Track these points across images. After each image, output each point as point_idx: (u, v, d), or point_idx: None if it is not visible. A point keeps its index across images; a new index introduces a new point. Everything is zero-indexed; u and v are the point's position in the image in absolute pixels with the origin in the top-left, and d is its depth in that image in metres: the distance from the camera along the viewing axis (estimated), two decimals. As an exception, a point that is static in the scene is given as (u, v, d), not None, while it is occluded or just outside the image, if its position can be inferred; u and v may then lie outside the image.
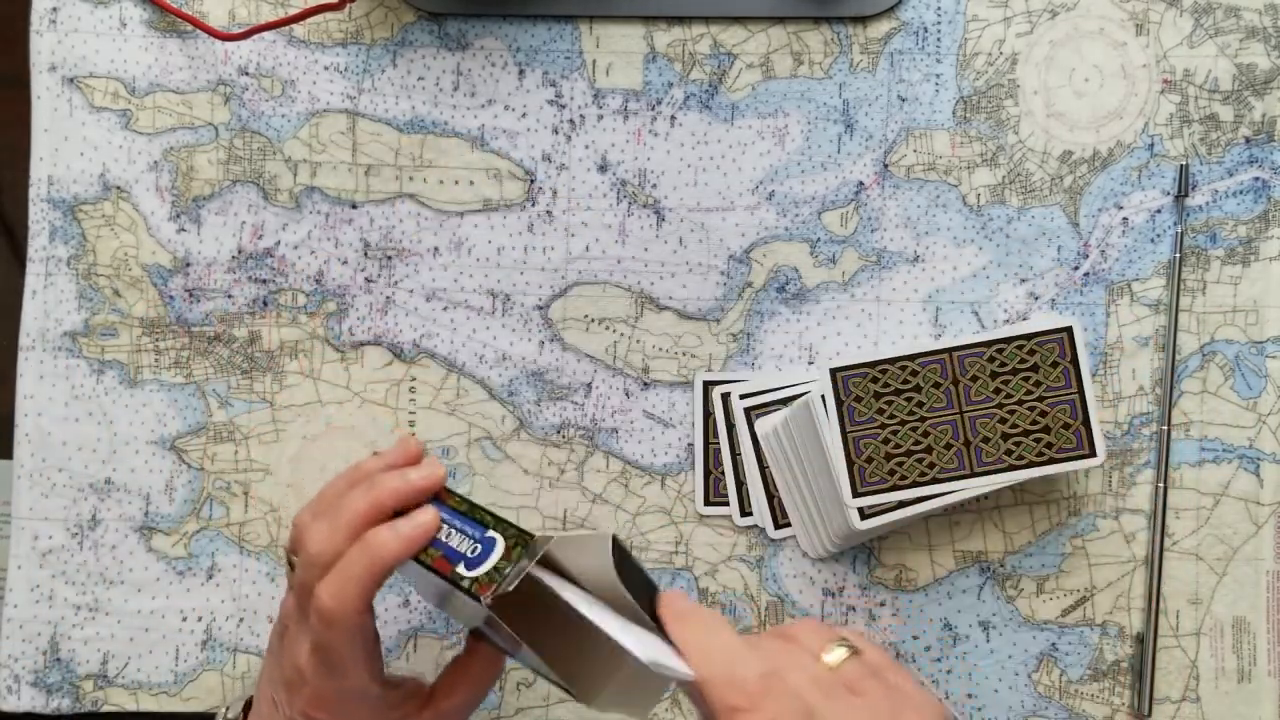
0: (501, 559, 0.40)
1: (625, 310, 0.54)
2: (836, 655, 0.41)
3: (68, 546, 0.54)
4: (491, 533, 0.41)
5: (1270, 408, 0.53)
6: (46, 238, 0.54)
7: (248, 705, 0.47)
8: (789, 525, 0.54)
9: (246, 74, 0.55)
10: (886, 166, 0.54)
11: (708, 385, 0.54)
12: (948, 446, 0.49)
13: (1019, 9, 0.54)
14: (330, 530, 0.41)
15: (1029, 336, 0.50)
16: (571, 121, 0.55)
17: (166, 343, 0.54)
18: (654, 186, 0.54)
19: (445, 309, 0.54)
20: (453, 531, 0.42)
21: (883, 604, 0.54)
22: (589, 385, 0.54)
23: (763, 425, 0.53)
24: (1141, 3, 0.54)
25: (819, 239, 0.54)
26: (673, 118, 0.54)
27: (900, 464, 0.49)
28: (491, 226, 0.55)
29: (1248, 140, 0.54)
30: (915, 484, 0.49)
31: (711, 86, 0.54)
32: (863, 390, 0.49)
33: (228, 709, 0.48)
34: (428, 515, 0.42)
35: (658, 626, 0.41)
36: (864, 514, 0.49)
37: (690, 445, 0.54)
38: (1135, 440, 0.54)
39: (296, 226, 0.55)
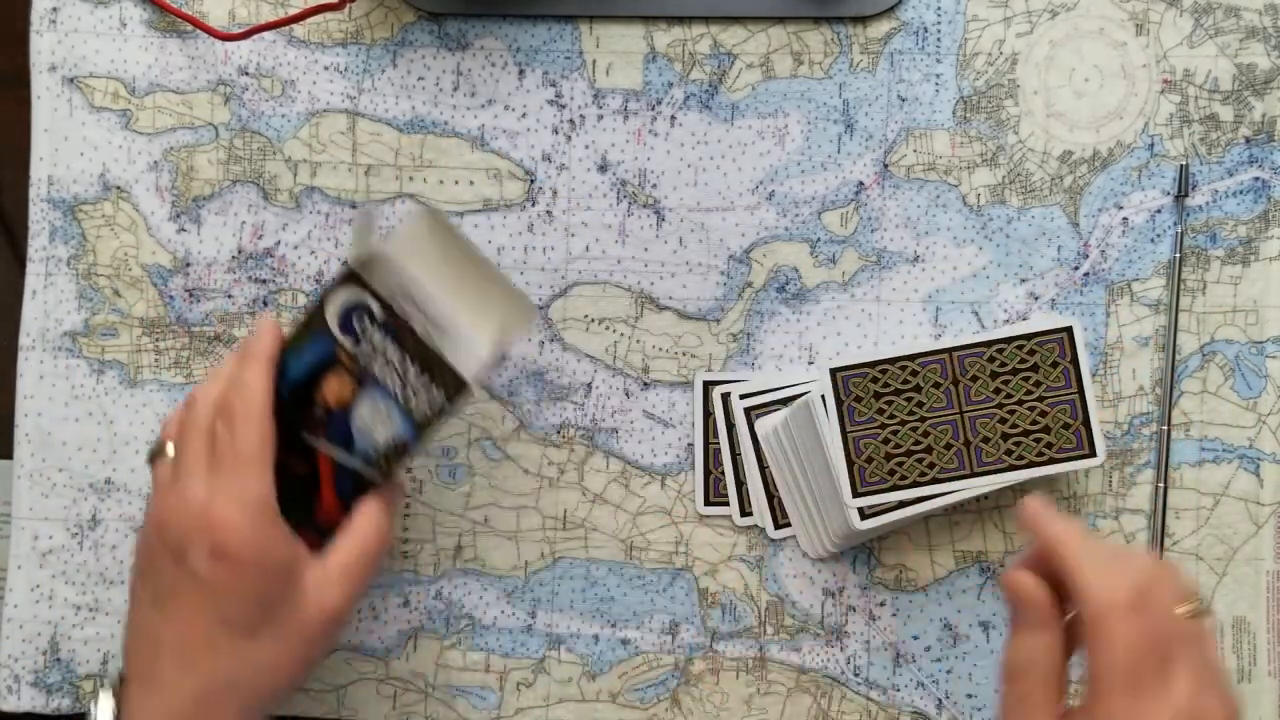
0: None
1: (625, 310, 0.54)
2: (1188, 608, 0.38)
3: (68, 546, 0.54)
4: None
5: (1270, 408, 0.53)
6: (46, 238, 0.54)
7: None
8: (789, 525, 0.54)
9: (246, 74, 0.55)
10: (886, 166, 0.54)
11: (708, 385, 0.54)
12: (948, 447, 0.49)
13: (1019, 9, 0.54)
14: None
15: (1029, 336, 0.50)
16: (571, 121, 0.55)
17: (166, 343, 0.54)
18: (654, 186, 0.54)
19: (445, 309, 0.54)
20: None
21: (883, 604, 0.54)
22: (589, 385, 0.54)
23: (763, 425, 0.53)
24: (1141, 3, 0.54)
25: (819, 239, 0.54)
26: (673, 118, 0.54)
27: (900, 464, 0.49)
28: (491, 226, 0.55)
29: (1248, 140, 0.54)
30: (915, 484, 0.49)
31: (711, 86, 0.54)
32: (862, 390, 0.49)
33: (99, 683, 0.46)
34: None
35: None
36: (864, 514, 0.49)
37: (690, 445, 0.54)
38: (1135, 440, 0.54)
39: (297, 226, 0.55)
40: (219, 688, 0.41)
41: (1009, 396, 0.50)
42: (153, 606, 0.42)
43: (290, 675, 0.43)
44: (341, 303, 0.44)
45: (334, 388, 0.45)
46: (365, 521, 0.45)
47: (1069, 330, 0.50)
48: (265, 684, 0.42)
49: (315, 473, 0.45)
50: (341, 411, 0.44)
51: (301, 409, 0.44)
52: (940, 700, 0.53)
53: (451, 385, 0.44)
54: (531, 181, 0.55)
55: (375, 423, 0.44)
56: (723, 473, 0.54)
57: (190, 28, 0.54)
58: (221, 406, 0.43)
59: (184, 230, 0.55)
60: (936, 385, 0.50)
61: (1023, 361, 0.50)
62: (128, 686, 0.42)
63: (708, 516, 0.54)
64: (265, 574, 0.42)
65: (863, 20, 0.54)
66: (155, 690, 0.41)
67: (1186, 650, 0.37)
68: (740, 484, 0.54)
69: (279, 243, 0.55)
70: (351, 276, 0.44)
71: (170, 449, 0.44)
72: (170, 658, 0.41)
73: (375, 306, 0.44)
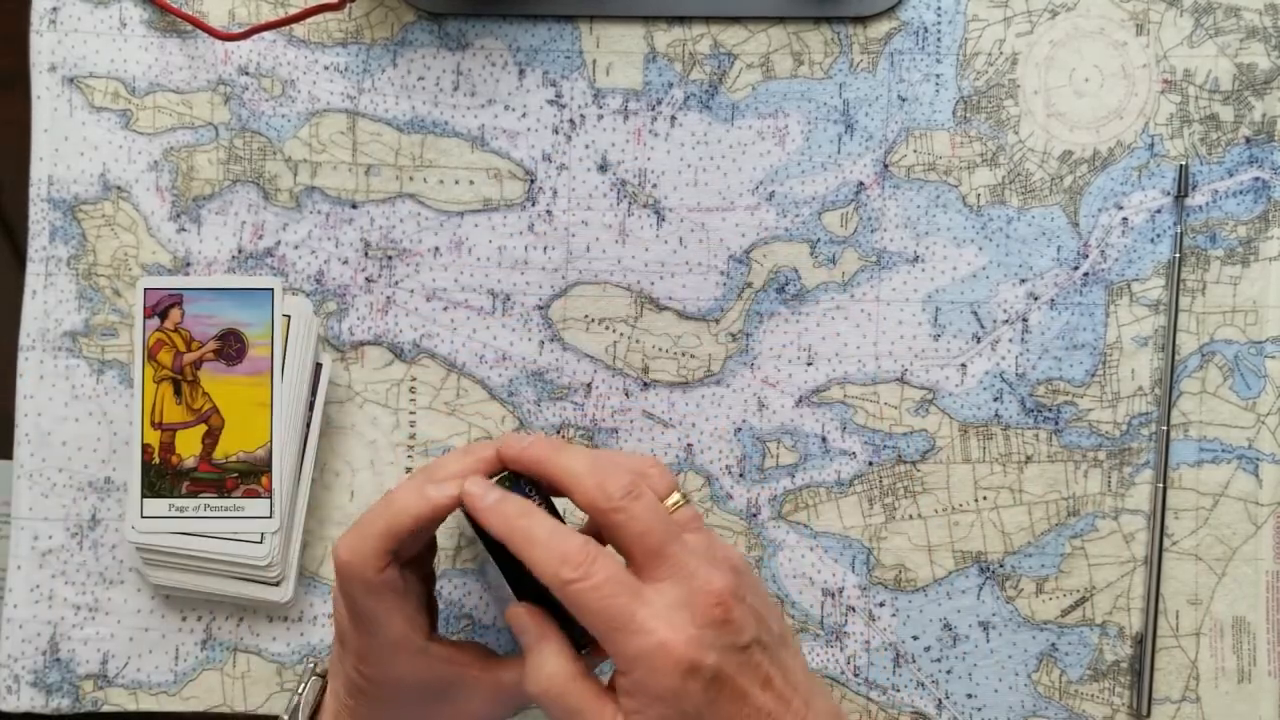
0: None
1: (625, 310, 0.54)
2: (673, 500, 0.43)
3: (68, 546, 0.54)
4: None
5: (1269, 408, 0.53)
6: (46, 238, 0.54)
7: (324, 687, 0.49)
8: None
9: (246, 74, 0.55)
10: (886, 166, 0.54)
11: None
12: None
13: (1019, 9, 0.54)
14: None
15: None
16: (571, 121, 0.55)
17: (166, 343, 0.54)
18: (654, 186, 0.54)
19: (445, 309, 0.54)
20: None
21: (883, 604, 0.54)
22: (589, 385, 0.54)
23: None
24: (1141, 3, 0.54)
25: (819, 239, 0.54)
26: (673, 118, 0.54)
27: None
28: (492, 226, 0.55)
29: (1248, 140, 0.54)
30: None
31: (711, 86, 0.54)
32: None
33: (301, 691, 0.49)
34: (459, 487, 0.42)
35: None
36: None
37: (690, 445, 0.54)
38: (1134, 440, 0.54)
39: (297, 226, 0.55)
40: None
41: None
42: None
43: None
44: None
45: None
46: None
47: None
48: None
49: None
50: None
51: None
52: (940, 700, 0.53)
53: None
54: (531, 181, 0.55)
55: None
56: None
57: (190, 28, 0.54)
58: (334, 558, 0.44)
59: (184, 230, 0.55)
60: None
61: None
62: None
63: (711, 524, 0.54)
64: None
65: (863, 20, 0.54)
66: None
67: (679, 537, 0.41)
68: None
69: (279, 243, 0.55)
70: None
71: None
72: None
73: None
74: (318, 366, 0.53)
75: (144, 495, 0.51)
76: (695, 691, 0.38)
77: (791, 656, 0.42)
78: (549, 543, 0.40)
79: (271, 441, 0.51)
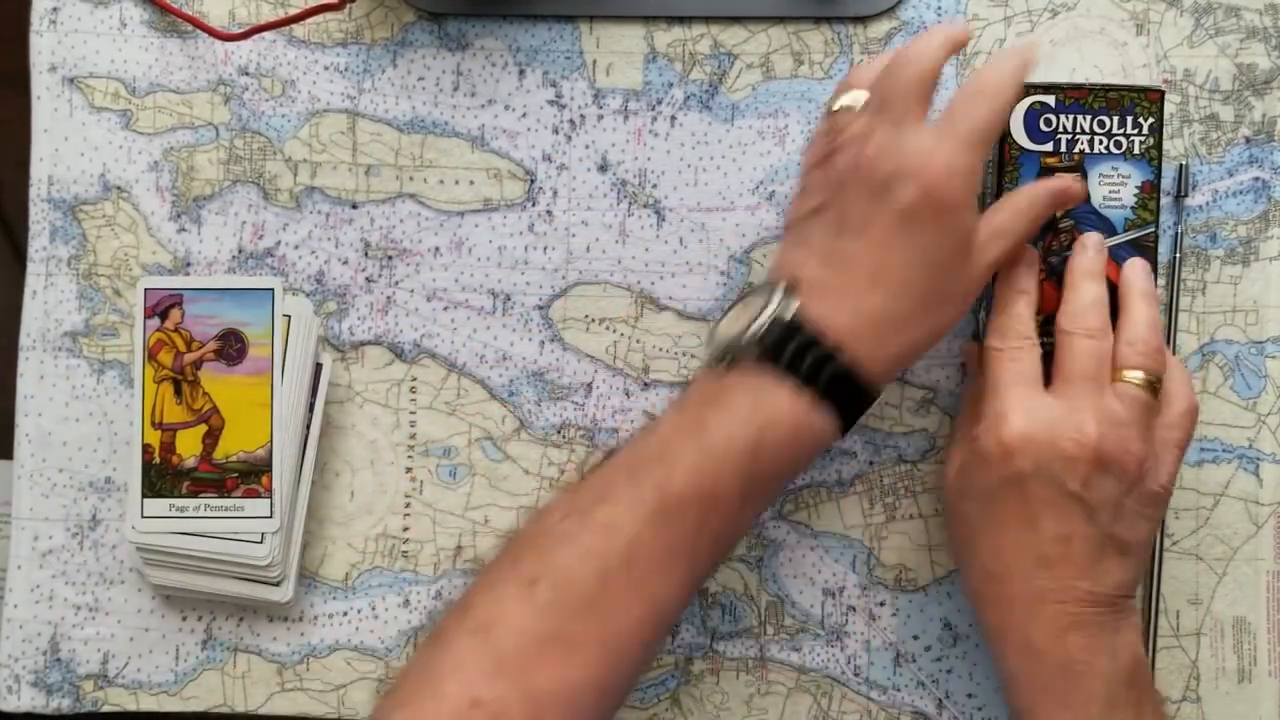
0: None
1: (625, 310, 0.54)
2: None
3: (68, 546, 0.54)
4: None
5: (1270, 408, 0.53)
6: (47, 238, 0.54)
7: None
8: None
9: (246, 74, 0.55)
10: (886, 166, 0.54)
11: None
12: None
13: (1019, 9, 0.54)
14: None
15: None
16: (571, 121, 0.55)
17: (167, 343, 0.54)
18: (654, 186, 0.54)
19: (445, 309, 0.54)
20: None
21: (883, 604, 0.54)
22: (589, 385, 0.54)
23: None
24: (1142, 3, 0.54)
25: (819, 239, 0.54)
26: (673, 118, 0.54)
27: None
28: (492, 226, 0.55)
29: (1248, 140, 0.54)
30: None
31: (711, 86, 0.54)
32: None
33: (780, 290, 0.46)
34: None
35: None
36: None
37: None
38: (1135, 440, 0.54)
39: (297, 226, 0.55)
40: (909, 310, 0.44)
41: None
42: (838, 235, 0.45)
43: (941, 330, 0.46)
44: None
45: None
46: (1022, 191, 0.48)
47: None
48: (935, 328, 0.46)
49: None
50: None
51: None
52: (940, 700, 0.53)
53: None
54: (531, 181, 0.55)
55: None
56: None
57: (190, 28, 0.54)
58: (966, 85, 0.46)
59: (184, 230, 0.55)
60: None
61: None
62: (806, 293, 0.44)
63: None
64: (959, 231, 0.44)
65: (863, 20, 0.54)
66: (848, 299, 0.44)
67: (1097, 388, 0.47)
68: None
69: (279, 243, 0.55)
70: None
71: (860, 98, 0.46)
72: (864, 274, 0.44)
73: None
74: (318, 367, 0.53)
75: (144, 495, 0.51)
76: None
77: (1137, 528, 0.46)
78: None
79: (272, 442, 0.51)
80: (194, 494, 0.51)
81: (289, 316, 0.51)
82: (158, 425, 0.51)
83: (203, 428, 0.51)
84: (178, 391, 0.51)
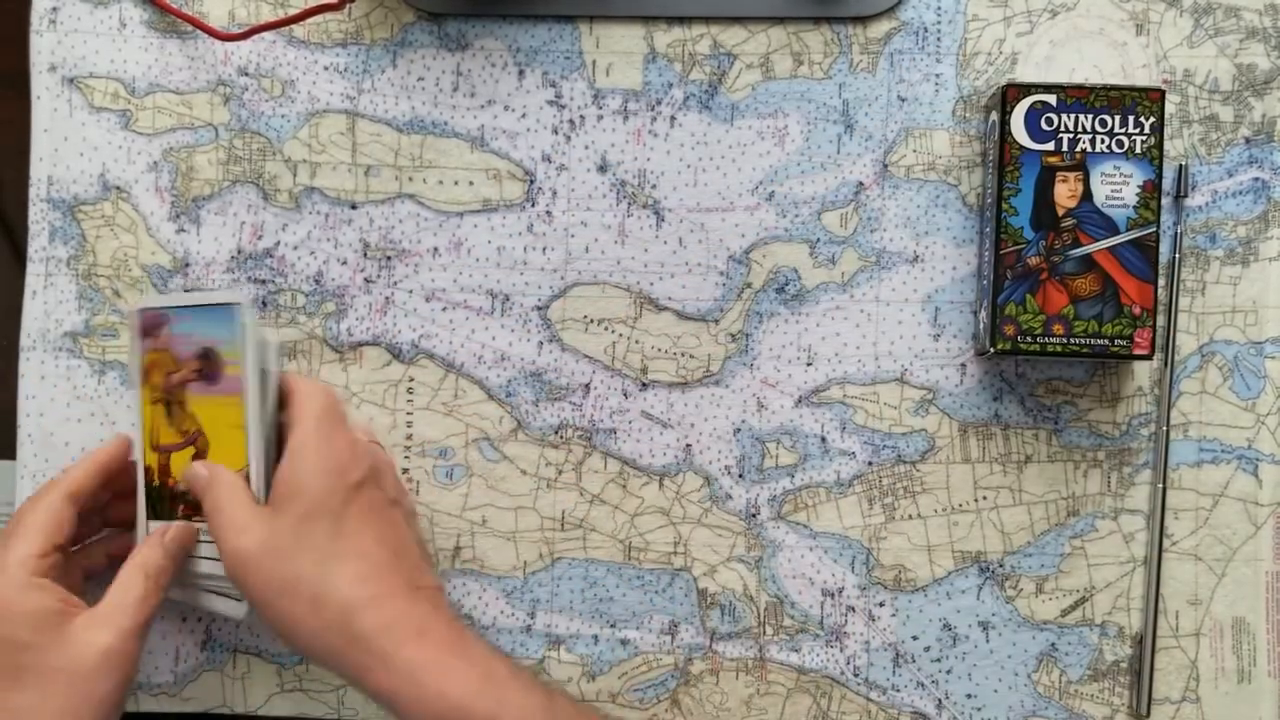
0: None
1: (624, 311, 0.54)
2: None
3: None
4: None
5: (1269, 408, 0.53)
6: (46, 238, 0.54)
7: None
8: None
9: (246, 74, 0.55)
10: (886, 167, 0.54)
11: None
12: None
13: (1019, 9, 0.54)
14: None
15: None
16: (571, 122, 0.55)
17: (166, 343, 0.54)
18: (654, 187, 0.54)
19: (444, 309, 0.54)
20: None
21: (882, 604, 0.54)
22: (587, 386, 0.54)
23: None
24: (1141, 3, 0.54)
25: (819, 239, 0.54)
26: (673, 118, 0.54)
27: None
28: (491, 227, 0.55)
29: (1248, 140, 0.54)
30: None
31: (711, 87, 0.54)
32: None
33: None
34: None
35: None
36: None
37: (689, 445, 0.54)
38: (1134, 440, 0.54)
39: (296, 227, 0.55)
40: None
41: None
42: None
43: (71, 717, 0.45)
44: None
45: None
46: (128, 568, 0.48)
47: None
48: None
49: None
50: None
51: None
52: (940, 700, 0.53)
53: None
54: (531, 182, 0.55)
55: None
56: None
57: (190, 28, 0.54)
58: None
59: (184, 230, 0.55)
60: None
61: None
62: None
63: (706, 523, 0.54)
64: (18, 623, 0.45)
65: (863, 20, 0.54)
66: None
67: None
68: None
69: (279, 243, 0.55)
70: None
71: None
72: None
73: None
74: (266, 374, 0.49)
75: (148, 517, 0.50)
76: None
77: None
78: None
79: (249, 464, 0.48)
80: (187, 517, 0.49)
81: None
82: (155, 448, 0.50)
83: (190, 450, 0.50)
84: (169, 413, 0.50)
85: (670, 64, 0.54)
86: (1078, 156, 0.50)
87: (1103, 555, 0.53)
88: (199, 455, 0.49)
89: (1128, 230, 0.50)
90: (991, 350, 0.51)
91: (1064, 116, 0.50)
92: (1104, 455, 0.54)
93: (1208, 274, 0.53)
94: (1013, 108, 0.50)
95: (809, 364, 0.54)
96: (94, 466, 0.50)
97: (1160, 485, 0.53)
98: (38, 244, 0.54)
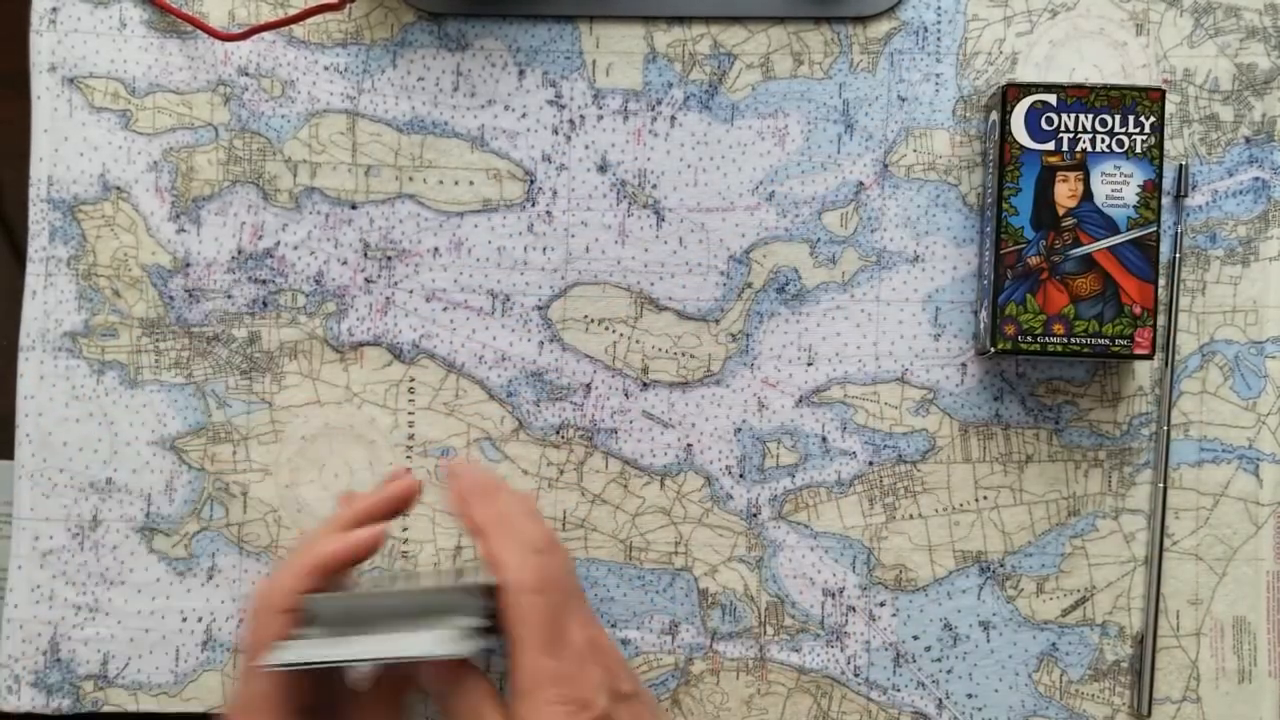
0: None
1: (625, 310, 0.54)
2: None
3: (68, 547, 0.54)
4: None
5: (1269, 408, 0.53)
6: (46, 238, 0.54)
7: None
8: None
9: (246, 74, 0.55)
10: (886, 166, 0.54)
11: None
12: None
13: (1019, 9, 0.54)
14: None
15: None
16: (571, 122, 0.55)
17: (167, 343, 0.54)
18: (654, 187, 0.54)
19: (445, 309, 0.54)
20: None
21: (883, 604, 0.54)
22: (588, 386, 0.54)
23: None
24: (1141, 3, 0.54)
25: (819, 239, 0.54)
26: (673, 118, 0.54)
27: None
28: (491, 227, 0.55)
29: (1248, 140, 0.54)
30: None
31: (711, 87, 0.54)
32: None
33: None
34: (373, 531, 0.45)
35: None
36: None
37: (690, 445, 0.54)
38: (1135, 440, 0.54)
39: (296, 227, 0.55)
40: None
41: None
42: None
43: None
44: None
45: None
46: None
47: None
48: None
49: None
50: None
51: None
52: (940, 700, 0.53)
53: None
54: (531, 182, 0.55)
55: None
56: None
57: (190, 28, 0.54)
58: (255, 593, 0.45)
59: (184, 230, 0.55)
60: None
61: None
62: None
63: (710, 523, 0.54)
64: None
65: (863, 20, 0.54)
66: None
67: (571, 603, 0.43)
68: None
69: (279, 243, 0.55)
70: None
71: None
72: None
73: None
74: None
75: None
76: None
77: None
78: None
79: None
80: None
81: None
82: None
83: None
84: None
85: (670, 64, 0.54)
86: (1078, 156, 0.50)
87: (1103, 555, 0.54)
88: None
89: (1128, 230, 0.50)
90: (992, 350, 0.51)
91: (1064, 116, 0.50)
92: (1105, 455, 0.54)
93: (1208, 274, 0.54)
94: (1013, 107, 0.50)
95: (809, 364, 0.54)
96: None
97: (1161, 485, 0.53)
98: (38, 244, 0.54)
